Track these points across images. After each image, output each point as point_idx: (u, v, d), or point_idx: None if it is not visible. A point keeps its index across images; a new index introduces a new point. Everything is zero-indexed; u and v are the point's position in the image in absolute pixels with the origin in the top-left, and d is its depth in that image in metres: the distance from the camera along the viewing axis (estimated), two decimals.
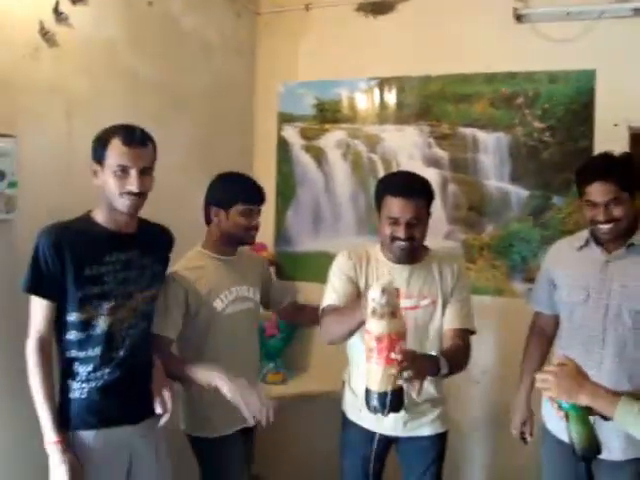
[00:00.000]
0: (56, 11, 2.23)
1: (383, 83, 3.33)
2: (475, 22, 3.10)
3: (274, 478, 3.26)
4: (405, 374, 1.72)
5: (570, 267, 2.27)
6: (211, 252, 2.38)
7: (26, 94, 2.14)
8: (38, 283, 1.86)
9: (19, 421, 2.09)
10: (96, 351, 1.93)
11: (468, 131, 3.16)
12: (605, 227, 2.13)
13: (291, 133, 3.52)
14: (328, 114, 3.45)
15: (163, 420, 2.06)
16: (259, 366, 2.68)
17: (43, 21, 2.19)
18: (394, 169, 3.22)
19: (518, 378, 2.47)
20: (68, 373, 1.94)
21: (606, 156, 2.19)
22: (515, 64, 3.04)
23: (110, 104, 2.47)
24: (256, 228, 2.39)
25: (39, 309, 1.88)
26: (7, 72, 2.07)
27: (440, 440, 2.30)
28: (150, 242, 2.08)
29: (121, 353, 1.98)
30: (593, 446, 1.61)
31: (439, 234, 3.15)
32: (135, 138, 1.91)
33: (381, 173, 3.22)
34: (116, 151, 1.88)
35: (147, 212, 2.02)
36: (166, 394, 2.06)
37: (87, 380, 1.94)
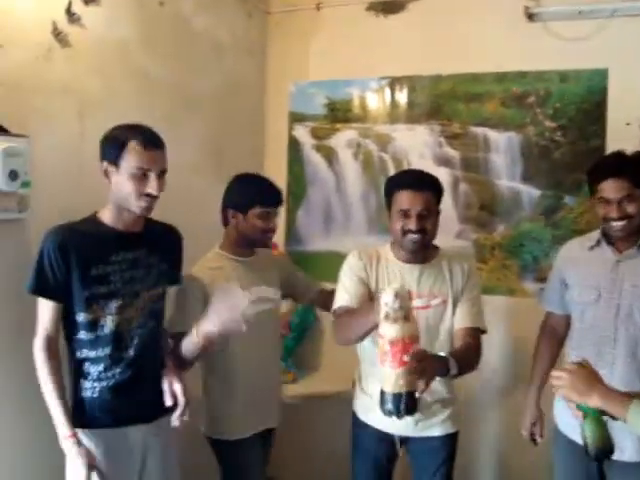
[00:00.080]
0: (69, 12, 2.24)
1: (394, 82, 3.33)
2: (486, 21, 3.09)
3: (285, 479, 3.27)
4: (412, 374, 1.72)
5: (581, 267, 2.27)
6: (229, 253, 2.38)
7: (39, 94, 2.15)
8: (43, 285, 1.87)
9: (29, 422, 2.11)
10: (106, 351, 1.94)
11: (479, 130, 3.16)
12: (618, 224, 2.12)
13: (302, 133, 3.52)
14: (339, 114, 3.45)
15: (177, 414, 2.04)
16: (281, 366, 2.68)
17: (56, 22, 2.20)
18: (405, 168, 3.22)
19: (528, 378, 2.47)
20: (79, 373, 1.95)
21: (619, 154, 2.20)
22: (526, 63, 3.03)
23: (122, 104, 2.48)
24: (273, 230, 2.40)
25: (45, 310, 1.89)
26: (20, 73, 2.08)
27: (451, 440, 2.30)
28: (157, 241, 2.08)
29: (131, 352, 1.99)
30: (607, 446, 1.61)
31: (450, 233, 3.15)
32: (153, 141, 1.92)
33: (392, 172, 3.21)
34: (135, 154, 1.88)
35: (157, 212, 2.02)
36: (177, 386, 2.05)
37: (98, 379, 1.95)
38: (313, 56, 3.47)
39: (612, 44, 2.88)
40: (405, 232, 2.14)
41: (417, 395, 1.73)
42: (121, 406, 1.97)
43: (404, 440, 2.29)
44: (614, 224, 2.13)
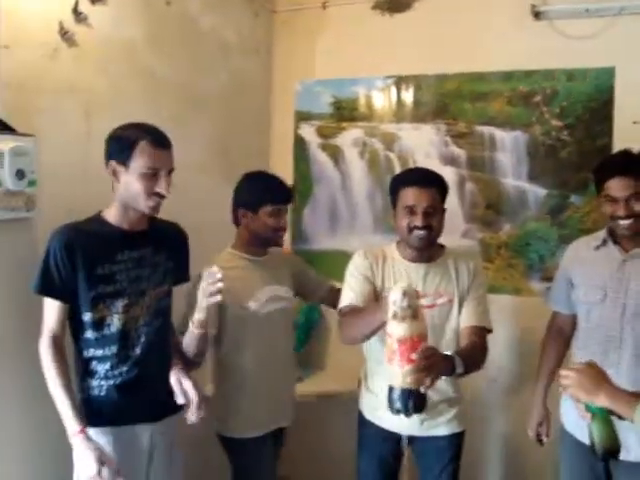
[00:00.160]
0: (75, 11, 2.24)
1: (400, 81, 3.32)
2: (492, 19, 3.08)
3: (294, 478, 3.27)
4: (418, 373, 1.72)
5: (587, 266, 2.26)
6: (241, 253, 2.39)
7: (46, 94, 2.16)
8: (49, 285, 1.88)
9: (36, 419, 2.12)
10: (112, 349, 1.95)
11: (485, 129, 3.15)
12: (625, 222, 2.12)
13: (308, 131, 3.52)
14: (345, 112, 3.44)
15: (192, 410, 2.04)
16: (296, 364, 2.67)
17: (62, 21, 2.20)
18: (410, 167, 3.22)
19: (535, 378, 2.47)
20: (86, 372, 1.96)
21: (626, 152, 2.20)
22: (533, 62, 3.02)
23: (129, 104, 2.48)
24: (284, 228, 2.40)
25: (51, 310, 1.90)
26: (27, 72, 2.09)
27: (457, 440, 2.30)
28: (162, 239, 2.09)
29: (137, 351, 1.99)
30: (614, 446, 1.61)
31: (456, 232, 3.15)
32: (163, 141, 1.93)
33: (398, 171, 3.20)
34: (146, 154, 1.88)
35: (164, 211, 2.02)
36: (186, 383, 2.06)
37: (105, 378, 1.96)
38: (319, 55, 3.47)
39: (619, 42, 2.87)
40: (411, 229, 2.14)
41: (422, 391, 1.73)
42: (128, 404, 1.98)
43: (410, 439, 2.29)
44: (621, 222, 2.13)
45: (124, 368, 1.97)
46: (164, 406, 2.07)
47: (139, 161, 1.88)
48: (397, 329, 1.71)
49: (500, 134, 3.12)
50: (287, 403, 2.50)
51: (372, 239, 3.31)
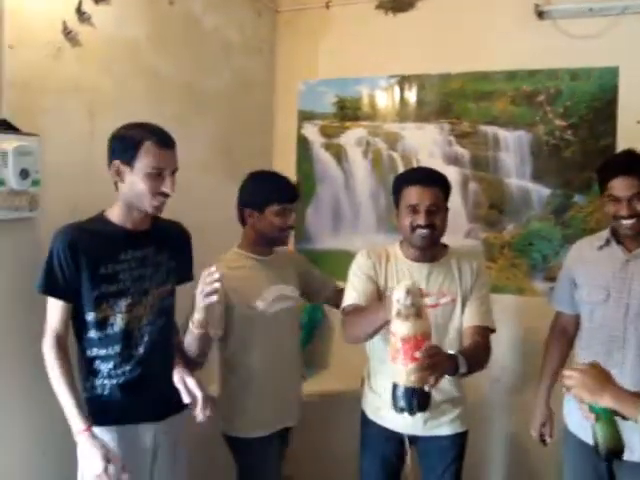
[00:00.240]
0: (79, 11, 2.24)
1: (403, 81, 3.32)
2: (496, 19, 3.08)
3: (297, 477, 3.27)
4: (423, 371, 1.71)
5: (590, 266, 2.26)
6: (248, 252, 2.38)
7: (49, 94, 2.16)
8: (53, 285, 1.88)
9: (41, 418, 2.12)
10: (116, 349, 1.96)
11: (489, 129, 3.15)
12: (628, 222, 2.12)
13: (311, 131, 3.52)
14: (348, 112, 3.45)
15: (198, 408, 2.03)
16: (302, 364, 2.67)
17: (66, 21, 2.20)
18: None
19: (538, 377, 2.46)
20: (90, 371, 1.96)
21: (629, 152, 2.20)
22: (536, 61, 3.02)
23: (132, 103, 2.48)
24: (291, 227, 2.39)
25: (55, 309, 1.90)
26: (31, 72, 2.09)
27: (460, 440, 2.29)
28: (165, 239, 2.09)
29: (140, 350, 2.00)
30: (618, 447, 1.61)
31: (460, 232, 3.15)
32: (167, 141, 1.94)
33: (401, 171, 3.21)
34: (151, 154, 1.89)
35: (167, 211, 2.03)
36: (189, 381, 2.05)
37: (109, 377, 1.96)
38: (322, 54, 3.48)
39: (623, 42, 2.87)
40: (414, 228, 2.14)
41: (426, 389, 1.72)
42: (131, 403, 1.98)
43: (413, 439, 2.29)
44: (624, 222, 2.13)
45: (127, 367, 1.98)
46: (167, 405, 2.07)
47: (144, 161, 1.89)
48: (401, 327, 1.71)
49: (504, 134, 3.12)
50: (293, 403, 2.50)
51: (375, 238, 3.31)
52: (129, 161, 1.90)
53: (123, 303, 1.95)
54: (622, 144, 2.76)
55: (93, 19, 2.31)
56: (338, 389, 3.10)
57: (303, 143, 3.54)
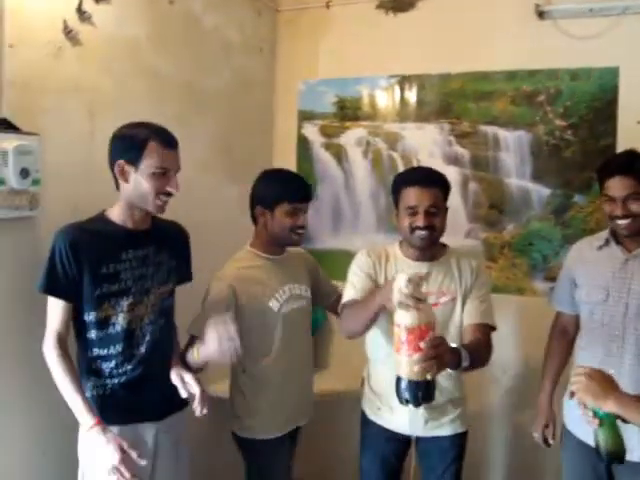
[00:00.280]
0: (79, 10, 2.24)
1: (403, 81, 3.32)
2: (496, 19, 3.08)
3: (299, 476, 3.27)
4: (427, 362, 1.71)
5: (590, 266, 2.26)
6: (260, 252, 2.36)
7: (50, 93, 2.16)
8: (54, 284, 1.88)
9: (42, 417, 2.12)
10: (117, 348, 1.95)
11: (489, 129, 3.15)
12: (623, 222, 2.12)
13: (311, 131, 3.52)
14: (348, 112, 3.44)
15: (195, 403, 2.02)
16: (312, 362, 2.64)
17: (66, 20, 2.20)
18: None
19: (539, 378, 2.46)
20: (91, 371, 1.96)
21: (630, 152, 2.20)
22: (536, 61, 3.02)
23: (133, 103, 2.48)
24: (302, 227, 2.33)
25: (56, 309, 1.90)
26: (31, 71, 2.09)
27: (460, 440, 2.29)
28: (164, 238, 2.09)
29: (142, 350, 2.00)
30: (620, 451, 1.61)
31: (460, 232, 3.15)
32: (171, 141, 1.94)
33: (401, 171, 3.21)
34: (156, 154, 1.89)
35: (167, 210, 2.03)
36: (187, 377, 2.05)
37: (110, 376, 1.96)
38: (322, 54, 3.48)
39: (623, 42, 2.87)
40: (413, 229, 2.14)
41: (429, 378, 1.71)
42: (132, 403, 1.98)
43: (413, 439, 2.29)
44: (619, 222, 2.13)
45: (129, 367, 1.98)
46: (168, 404, 2.07)
47: (149, 161, 1.89)
48: (405, 317, 1.70)
49: (504, 134, 3.12)
50: (306, 401, 2.48)
51: (375, 238, 3.31)
52: (134, 161, 1.90)
53: (125, 302, 1.95)
54: (622, 144, 2.76)
55: (93, 18, 2.31)
56: (338, 389, 3.10)
57: (303, 143, 3.54)
